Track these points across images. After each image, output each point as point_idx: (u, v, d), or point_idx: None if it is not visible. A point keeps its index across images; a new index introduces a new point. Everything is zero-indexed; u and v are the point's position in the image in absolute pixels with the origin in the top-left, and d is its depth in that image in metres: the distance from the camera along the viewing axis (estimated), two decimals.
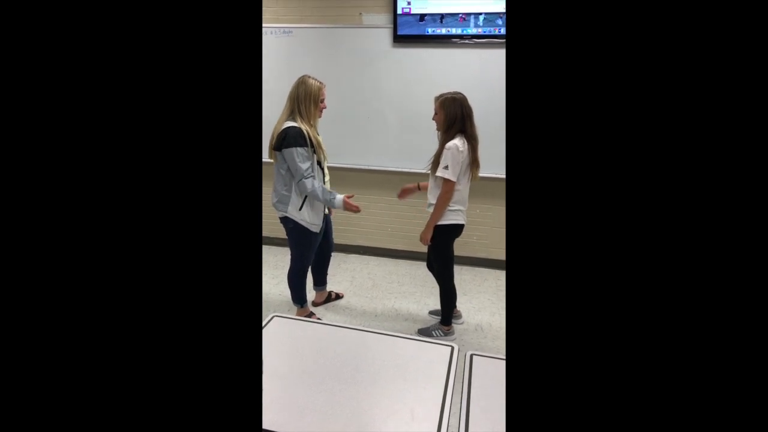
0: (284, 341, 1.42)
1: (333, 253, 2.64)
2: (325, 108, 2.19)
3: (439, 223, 2.15)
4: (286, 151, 2.06)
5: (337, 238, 2.61)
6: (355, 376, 1.26)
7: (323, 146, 2.21)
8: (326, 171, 2.28)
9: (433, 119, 2.14)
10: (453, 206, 2.13)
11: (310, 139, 2.08)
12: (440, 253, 2.26)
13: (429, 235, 2.18)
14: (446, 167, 2.03)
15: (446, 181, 2.05)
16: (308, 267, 2.42)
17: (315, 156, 2.14)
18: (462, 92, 2.08)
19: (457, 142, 2.03)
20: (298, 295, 2.44)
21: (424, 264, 2.58)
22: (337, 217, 2.59)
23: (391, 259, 3.37)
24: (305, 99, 2.09)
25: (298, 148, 2.05)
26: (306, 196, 2.17)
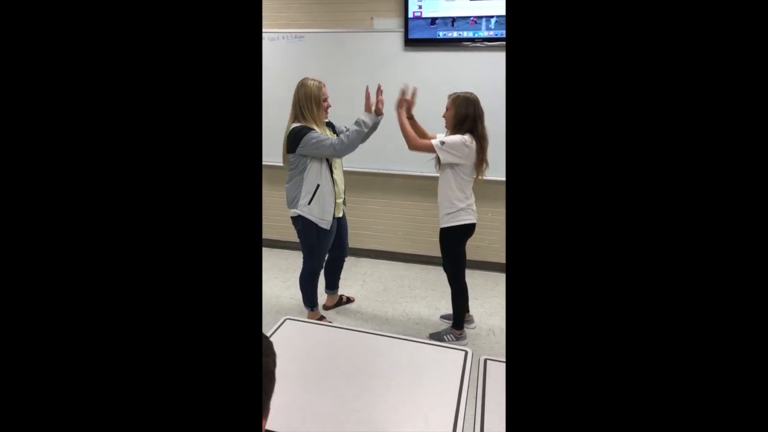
0: (297, 345, 1.42)
1: None
2: (329, 107, 2.19)
3: (450, 225, 2.16)
4: (302, 146, 2.07)
5: (349, 241, 2.61)
6: (368, 380, 1.25)
7: None
8: (337, 180, 2.26)
9: (443, 116, 2.14)
10: (462, 203, 2.12)
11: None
12: (450, 253, 2.26)
13: (401, 112, 2.13)
14: (443, 142, 2.03)
15: (433, 144, 2.04)
16: (320, 270, 2.42)
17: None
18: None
19: (467, 138, 2.04)
20: (309, 299, 2.44)
21: (435, 268, 2.57)
22: (349, 221, 2.59)
23: (402, 263, 3.35)
24: (306, 101, 2.09)
25: (310, 133, 2.06)
26: (315, 191, 2.15)
